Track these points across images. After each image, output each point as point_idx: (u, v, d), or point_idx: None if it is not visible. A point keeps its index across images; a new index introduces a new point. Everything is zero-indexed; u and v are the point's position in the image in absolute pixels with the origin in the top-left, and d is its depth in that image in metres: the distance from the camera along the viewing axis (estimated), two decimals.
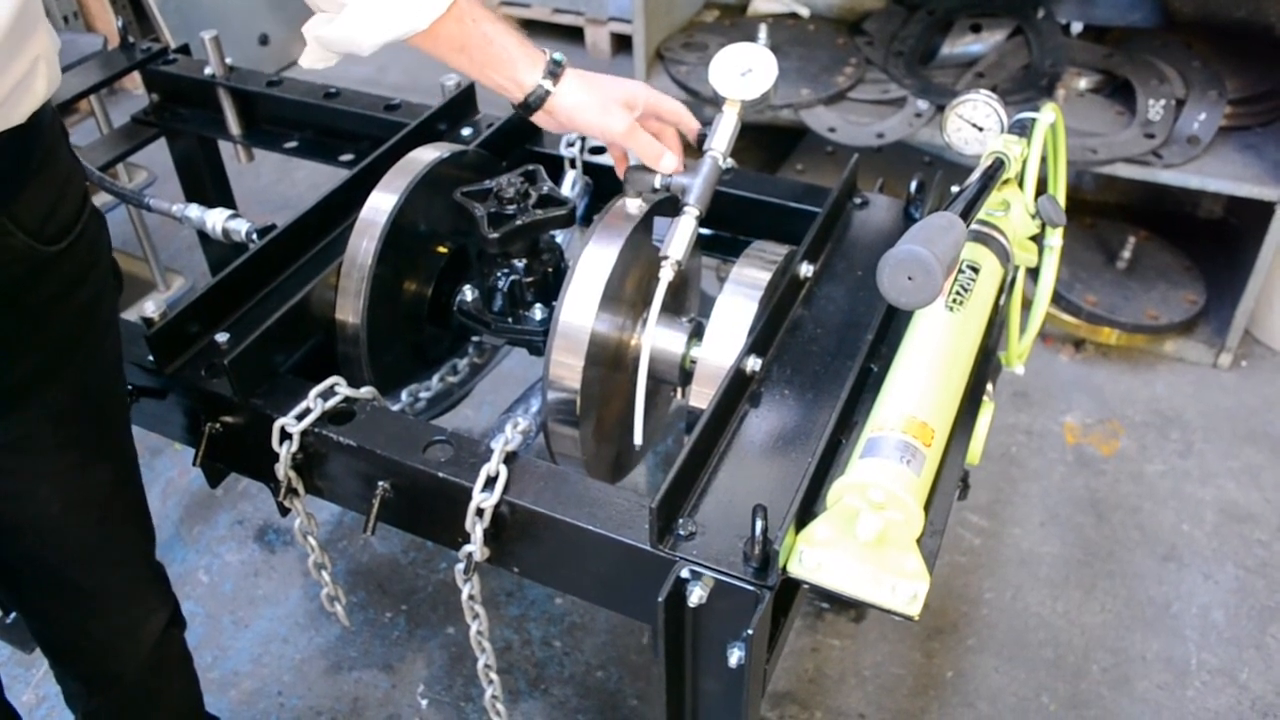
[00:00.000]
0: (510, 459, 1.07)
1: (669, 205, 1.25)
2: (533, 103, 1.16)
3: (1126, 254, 2.58)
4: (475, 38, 1.11)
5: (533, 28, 4.08)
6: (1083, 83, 2.55)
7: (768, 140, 3.03)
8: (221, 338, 1.23)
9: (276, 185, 3.24)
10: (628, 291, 1.26)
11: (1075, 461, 2.27)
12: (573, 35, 3.98)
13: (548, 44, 1.19)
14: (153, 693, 1.39)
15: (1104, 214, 2.81)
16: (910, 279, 0.84)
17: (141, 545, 1.27)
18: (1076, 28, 2.71)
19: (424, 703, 1.85)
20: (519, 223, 1.26)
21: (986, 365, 1.23)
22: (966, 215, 0.95)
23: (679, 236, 1.17)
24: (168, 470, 2.30)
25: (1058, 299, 2.51)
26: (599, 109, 1.17)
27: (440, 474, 1.08)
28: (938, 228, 0.86)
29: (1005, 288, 1.25)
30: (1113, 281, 2.57)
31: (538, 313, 1.35)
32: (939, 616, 1.95)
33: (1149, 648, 1.90)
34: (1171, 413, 2.39)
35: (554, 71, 1.15)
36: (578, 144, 1.57)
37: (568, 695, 1.85)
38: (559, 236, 1.45)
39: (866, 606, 0.96)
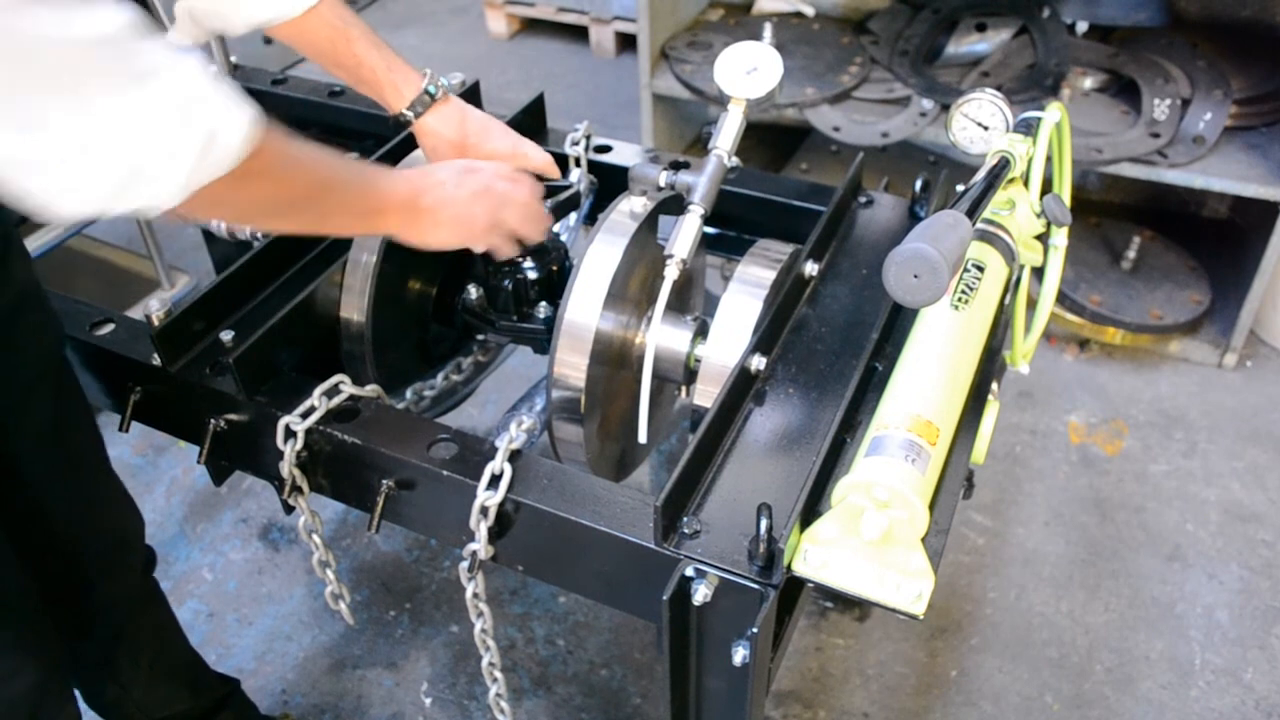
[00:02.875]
0: (514, 457, 1.07)
1: (674, 203, 1.25)
2: (400, 124, 1.27)
3: (1131, 254, 2.57)
4: (346, 56, 1.19)
5: (537, 27, 4.08)
6: (1088, 82, 2.55)
7: (772, 139, 3.03)
8: (226, 335, 1.23)
9: None
10: (632, 290, 1.26)
11: (1079, 461, 2.27)
12: (578, 34, 3.98)
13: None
14: (149, 640, 1.44)
15: (1109, 213, 2.81)
16: (916, 277, 0.83)
17: (100, 448, 1.31)
18: (1082, 27, 2.70)
19: (428, 701, 1.85)
20: None
21: (991, 364, 1.22)
22: (972, 214, 0.95)
23: (684, 235, 1.17)
24: (171, 468, 2.31)
25: (1062, 298, 2.51)
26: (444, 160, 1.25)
27: (445, 472, 1.08)
28: (944, 225, 0.86)
29: (1010, 287, 1.24)
30: (1117, 281, 2.56)
31: (542, 311, 1.35)
32: (943, 616, 1.95)
33: (1153, 648, 1.90)
34: (1176, 413, 2.39)
35: (420, 108, 1.25)
36: (582, 143, 1.56)
37: (571, 693, 1.85)
38: (563, 234, 1.45)
39: (871, 605, 0.96)
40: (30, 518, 1.21)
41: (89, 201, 0.77)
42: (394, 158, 1.40)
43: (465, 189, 1.14)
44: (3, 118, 0.71)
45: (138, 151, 0.76)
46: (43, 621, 1.18)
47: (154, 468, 2.31)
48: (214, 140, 0.79)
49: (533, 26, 4.13)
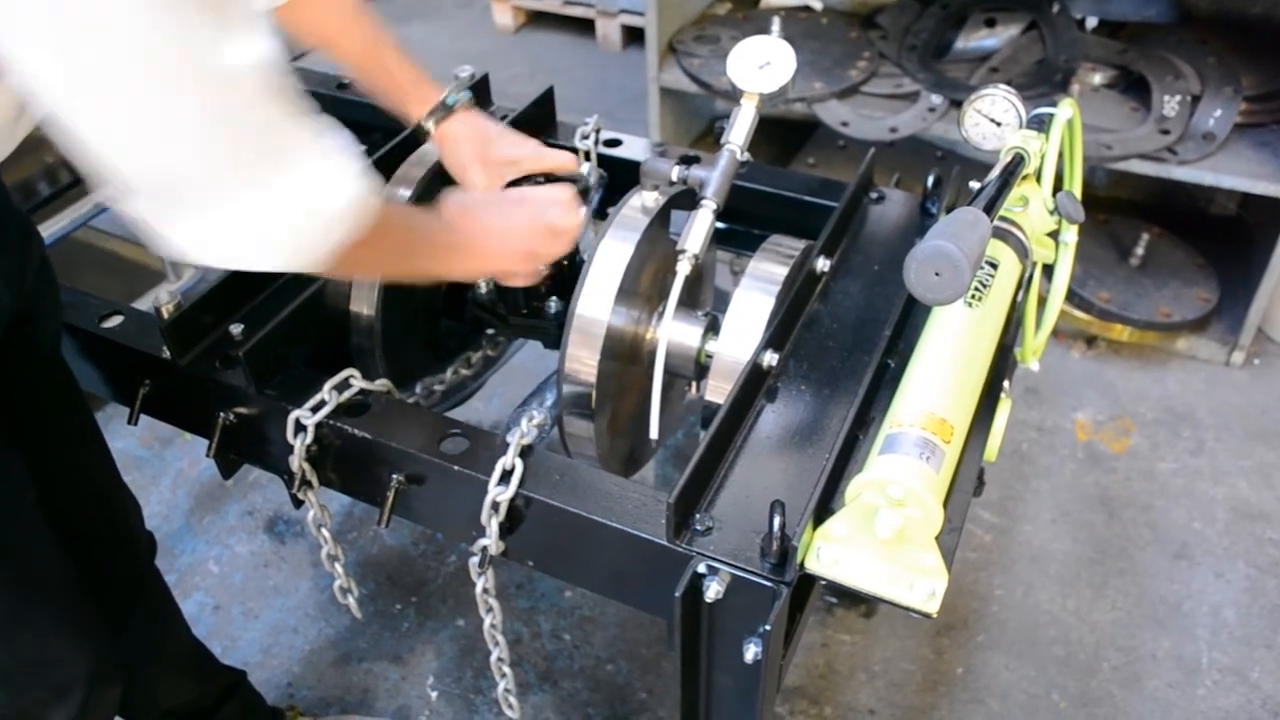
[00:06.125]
0: (526, 452, 1.07)
1: (685, 198, 1.24)
2: (420, 135, 1.32)
3: (1139, 251, 2.57)
4: (377, 67, 1.28)
5: (543, 20, 4.07)
6: (1097, 78, 2.54)
7: (779, 134, 3.02)
8: (236, 329, 1.22)
9: None
10: (644, 285, 1.26)
11: (1086, 459, 2.26)
12: (584, 27, 3.97)
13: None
14: (153, 628, 1.45)
15: (1117, 210, 2.80)
16: (937, 275, 0.83)
17: (97, 429, 1.34)
18: (1091, 23, 2.69)
19: (434, 694, 1.85)
20: None
21: (1004, 361, 1.22)
22: (990, 211, 0.95)
23: (696, 230, 1.17)
24: (178, 461, 2.30)
25: (1070, 295, 2.50)
26: (466, 165, 1.30)
27: (456, 467, 1.08)
28: (964, 223, 0.85)
29: (1023, 284, 1.24)
30: (1125, 278, 2.56)
31: (553, 306, 1.35)
32: (949, 613, 1.95)
33: (1160, 646, 1.90)
34: (1183, 410, 2.38)
35: (440, 116, 1.30)
36: (592, 137, 1.56)
37: (577, 688, 1.85)
38: None
39: (884, 603, 0.95)
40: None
41: (240, 261, 0.82)
42: (408, 148, 1.39)
43: (513, 220, 1.17)
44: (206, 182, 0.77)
45: (300, 221, 0.82)
46: (87, 604, 1.18)
47: (160, 460, 2.31)
48: (359, 208, 0.87)
49: (539, 20, 4.12)
